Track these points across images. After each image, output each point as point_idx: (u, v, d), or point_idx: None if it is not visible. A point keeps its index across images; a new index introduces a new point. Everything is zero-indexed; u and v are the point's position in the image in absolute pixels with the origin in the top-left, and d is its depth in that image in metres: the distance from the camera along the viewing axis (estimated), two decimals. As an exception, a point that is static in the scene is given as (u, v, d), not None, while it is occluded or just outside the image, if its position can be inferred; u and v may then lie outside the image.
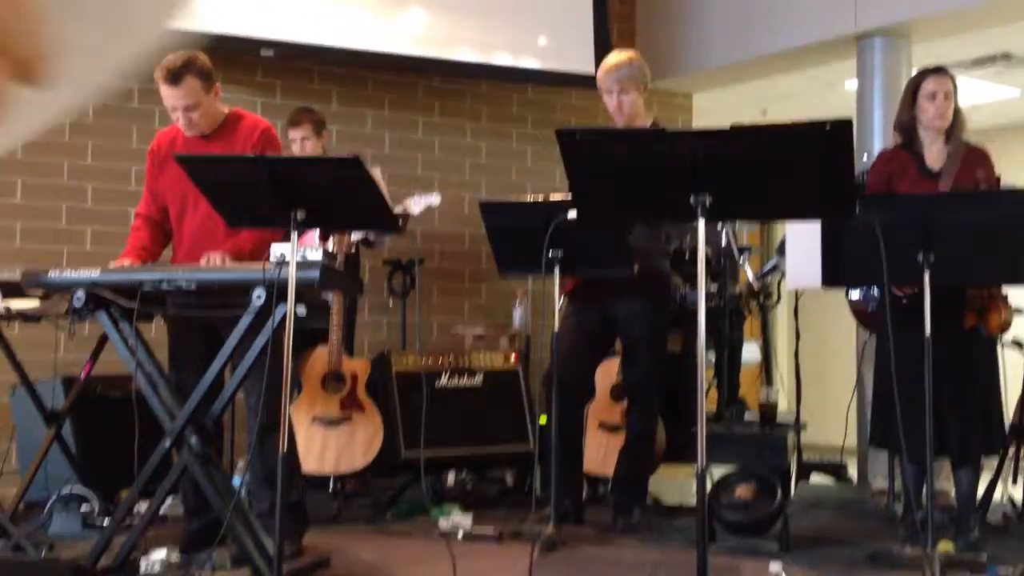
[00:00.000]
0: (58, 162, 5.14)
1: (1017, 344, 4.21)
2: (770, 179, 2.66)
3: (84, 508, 3.95)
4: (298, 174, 2.96)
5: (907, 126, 3.87)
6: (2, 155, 4.73)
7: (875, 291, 4.33)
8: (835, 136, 2.55)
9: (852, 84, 5.97)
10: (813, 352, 5.73)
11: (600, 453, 4.54)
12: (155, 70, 3.42)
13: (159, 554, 3.29)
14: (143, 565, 3.22)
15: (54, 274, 3.24)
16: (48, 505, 3.97)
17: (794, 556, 3.57)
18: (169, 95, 3.41)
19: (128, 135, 5.29)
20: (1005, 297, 3.72)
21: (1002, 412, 3.85)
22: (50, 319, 3.75)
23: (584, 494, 4.42)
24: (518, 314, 5.67)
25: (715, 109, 7.34)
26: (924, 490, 3.61)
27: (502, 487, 5.04)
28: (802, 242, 4.33)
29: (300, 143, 4.76)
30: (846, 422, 4.75)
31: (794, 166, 2.62)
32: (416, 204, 4.76)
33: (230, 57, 4.93)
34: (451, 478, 5.13)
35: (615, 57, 4.09)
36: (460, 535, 3.87)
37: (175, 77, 3.37)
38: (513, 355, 4.97)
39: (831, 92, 7.18)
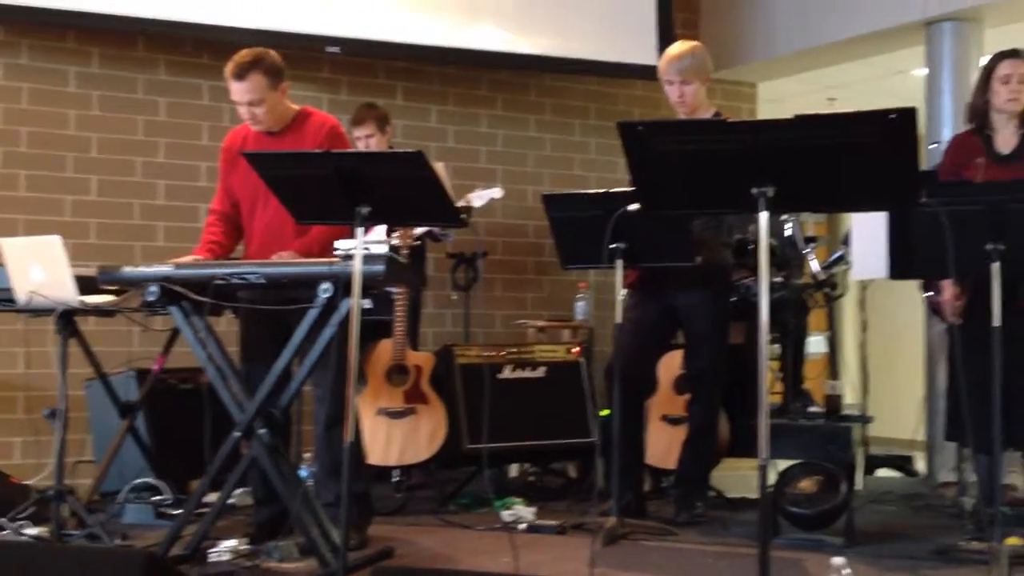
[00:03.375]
0: (130, 160, 5.27)
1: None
2: (833, 169, 2.64)
3: (156, 498, 4.06)
4: (362, 169, 3.00)
5: (980, 110, 3.84)
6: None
7: None
8: (900, 125, 2.52)
9: (921, 71, 5.86)
10: (880, 344, 5.65)
11: (663, 446, 4.53)
12: (226, 67, 3.51)
13: (228, 543, 3.37)
14: (213, 554, 3.30)
15: (128, 269, 3.33)
16: (122, 495, 4.09)
17: (859, 550, 3.54)
18: (235, 90, 3.51)
19: (198, 132, 5.40)
20: None
21: None
22: (124, 313, 3.85)
23: (647, 487, 4.42)
24: (581, 306, 5.68)
25: (781, 98, 7.26)
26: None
27: (564, 479, 5.06)
28: (868, 232, 4.27)
29: (364, 141, 4.81)
30: (914, 416, 4.69)
31: (858, 156, 2.59)
32: (478, 198, 4.79)
33: (295, 54, 5.00)
34: (514, 470, 5.17)
35: (677, 47, 4.07)
36: (522, 527, 3.90)
37: (241, 72, 3.47)
38: (576, 347, 4.98)
39: (900, 80, 7.05)
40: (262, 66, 3.50)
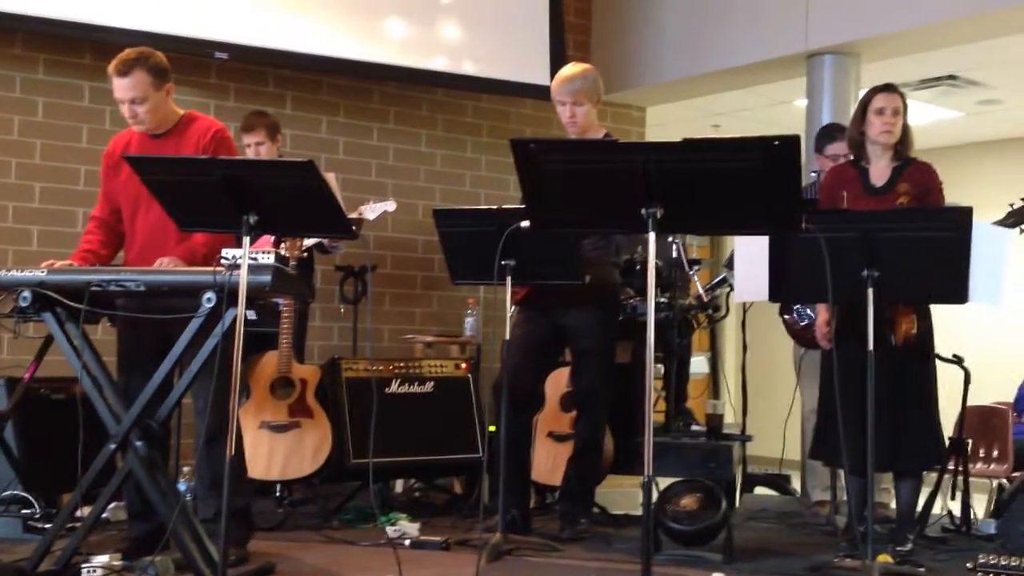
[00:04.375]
0: (6, 161, 5.07)
1: (956, 360, 4.29)
2: (719, 192, 2.70)
3: (25, 512, 3.89)
4: (250, 177, 2.94)
5: (856, 141, 3.98)
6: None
7: (806, 308, 4.45)
8: (783, 151, 2.59)
9: (802, 102, 6.07)
10: (759, 365, 5.81)
11: (548, 462, 4.56)
12: (109, 65, 3.42)
13: (101, 559, 3.24)
14: (84, 570, 3.18)
15: (0, 273, 3.19)
16: (-12, 508, 3.91)
17: (737, 567, 3.62)
18: (117, 86, 3.43)
19: (78, 135, 5.22)
20: (914, 308, 3.78)
21: (939, 426, 3.91)
22: (-6, 319, 3.69)
23: (532, 503, 4.44)
24: (469, 322, 5.68)
25: (668, 123, 7.42)
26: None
27: (450, 495, 5.04)
28: (750, 256, 4.38)
29: (254, 148, 4.74)
30: (784, 435, 4.83)
31: (743, 180, 2.66)
32: (371, 210, 4.76)
33: (183, 58, 4.89)
34: (399, 485, 5.13)
35: (570, 69, 4.12)
36: (407, 543, 3.87)
37: (124, 69, 3.40)
38: (464, 363, 4.98)
39: (782, 109, 7.29)
40: (147, 64, 3.42)
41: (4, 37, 5.05)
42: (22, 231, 5.07)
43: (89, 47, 5.17)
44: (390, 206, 4.85)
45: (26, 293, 3.10)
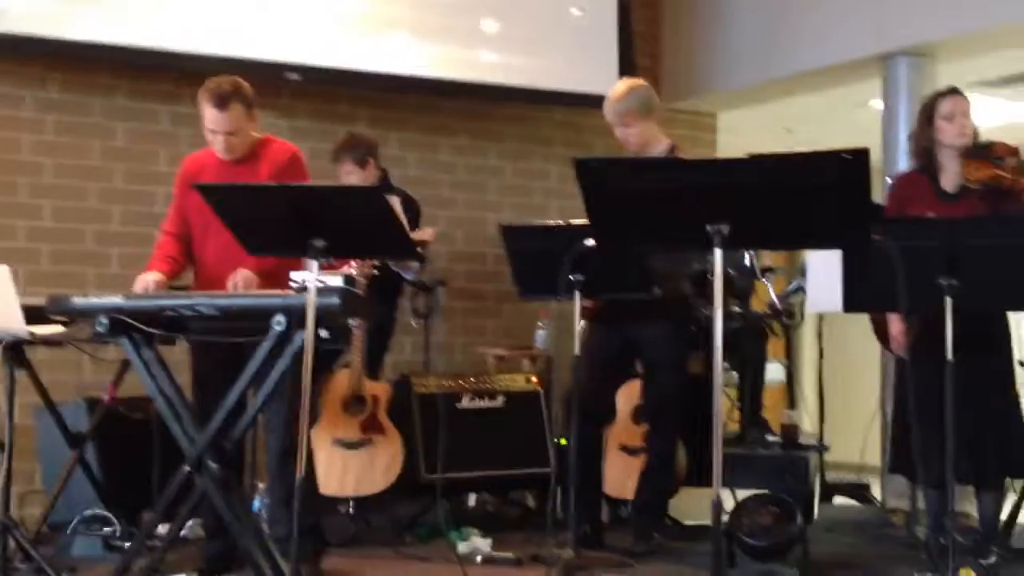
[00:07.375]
0: (85, 185, 5.21)
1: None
2: (787, 208, 2.65)
3: (106, 530, 3.99)
4: (316, 203, 2.98)
5: (924, 149, 3.87)
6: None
7: None
8: (853, 165, 2.54)
9: (878, 104, 5.94)
10: (837, 373, 5.70)
11: (620, 475, 4.52)
12: (199, 93, 3.46)
13: (179, 577, 3.32)
14: (163, 588, 3.25)
15: (78, 300, 3.27)
16: (71, 527, 4.02)
17: (813, 583, 3.55)
18: (214, 119, 3.45)
19: (155, 158, 5.35)
20: None
21: (1021, 433, 3.79)
22: (74, 344, 3.79)
23: (604, 517, 4.41)
24: (541, 335, 5.66)
25: (740, 129, 7.32)
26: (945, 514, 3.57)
27: (522, 510, 5.04)
28: (823, 266, 4.30)
29: (346, 179, 4.76)
30: (865, 443, 4.72)
31: (811, 195, 2.61)
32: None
33: (254, 80, 4.97)
34: (471, 500, 5.14)
35: (615, 91, 4.07)
36: (479, 559, 3.87)
37: (223, 102, 3.42)
38: (535, 377, 4.97)
39: (857, 112, 7.13)
40: (241, 96, 3.47)
41: (89, 65, 5.18)
42: (102, 254, 5.21)
43: (166, 73, 5.29)
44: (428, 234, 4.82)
45: (103, 319, 3.17)
